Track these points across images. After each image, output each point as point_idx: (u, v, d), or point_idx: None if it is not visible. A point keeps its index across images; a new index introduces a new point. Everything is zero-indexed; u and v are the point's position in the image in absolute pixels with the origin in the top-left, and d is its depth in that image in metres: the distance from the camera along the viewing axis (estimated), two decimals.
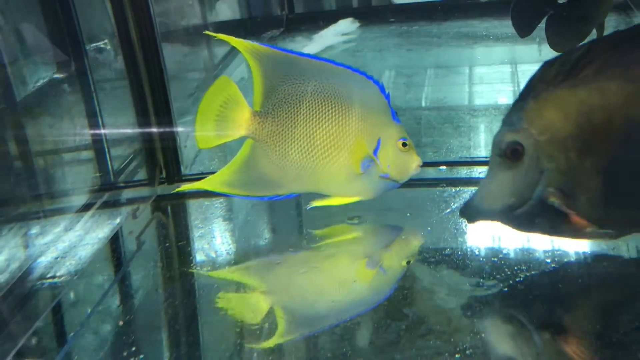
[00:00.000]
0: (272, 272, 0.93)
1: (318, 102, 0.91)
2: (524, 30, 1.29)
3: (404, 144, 0.91)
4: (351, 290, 0.87)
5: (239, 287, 0.92)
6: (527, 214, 0.80)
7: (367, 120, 0.90)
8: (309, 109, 0.91)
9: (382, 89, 0.90)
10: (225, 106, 0.93)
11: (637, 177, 0.75)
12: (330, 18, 1.96)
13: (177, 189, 1.01)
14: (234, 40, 0.92)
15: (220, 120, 0.93)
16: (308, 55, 0.92)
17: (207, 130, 0.93)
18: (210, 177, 0.97)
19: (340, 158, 0.92)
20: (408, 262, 0.90)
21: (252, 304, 0.86)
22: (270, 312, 0.82)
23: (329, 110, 0.91)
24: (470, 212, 0.83)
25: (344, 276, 0.90)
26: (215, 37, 0.95)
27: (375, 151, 0.91)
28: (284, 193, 0.96)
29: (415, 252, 0.92)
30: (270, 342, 0.76)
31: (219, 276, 0.93)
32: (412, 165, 0.92)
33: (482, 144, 1.29)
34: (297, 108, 0.91)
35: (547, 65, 0.77)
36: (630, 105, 0.73)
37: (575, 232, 0.80)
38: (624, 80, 0.73)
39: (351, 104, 0.90)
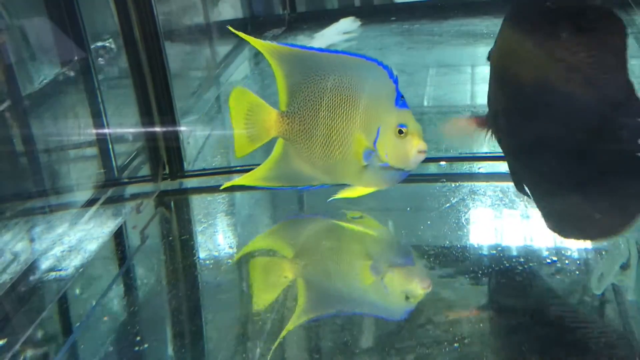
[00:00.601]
0: (275, 265, 0.94)
1: (335, 97, 0.92)
2: None
3: (400, 131, 0.89)
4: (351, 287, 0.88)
5: (242, 281, 0.93)
6: None
7: (370, 111, 0.91)
8: (328, 106, 0.93)
9: (390, 73, 0.89)
10: (251, 113, 0.96)
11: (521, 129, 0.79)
12: (332, 16, 1.97)
13: (223, 186, 1.03)
14: (254, 41, 0.95)
15: (251, 127, 0.96)
16: (324, 50, 0.93)
17: (242, 139, 0.97)
18: (249, 173, 1.00)
19: (349, 151, 0.93)
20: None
21: (254, 297, 0.87)
22: (273, 306, 0.83)
23: (342, 105, 0.92)
24: None
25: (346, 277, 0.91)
26: (238, 34, 0.97)
27: (375, 141, 0.91)
28: (316, 184, 0.99)
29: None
30: (274, 338, 0.77)
31: (221, 270, 0.94)
32: (411, 150, 0.89)
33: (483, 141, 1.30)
34: (318, 105, 0.93)
35: None
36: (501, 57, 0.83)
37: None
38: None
39: (359, 97, 0.91)
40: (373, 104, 0.91)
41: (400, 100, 0.90)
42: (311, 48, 0.94)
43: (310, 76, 0.93)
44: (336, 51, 0.93)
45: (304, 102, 0.94)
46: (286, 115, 0.96)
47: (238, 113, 0.96)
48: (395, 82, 0.89)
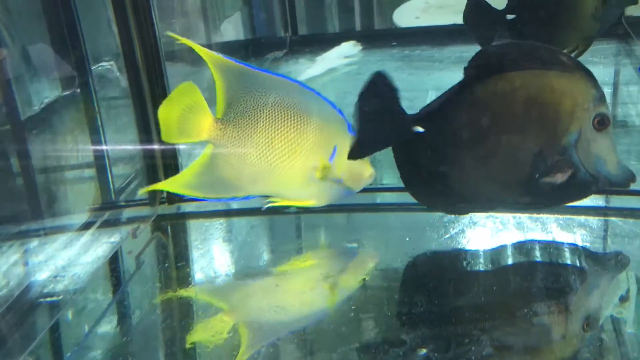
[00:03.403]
0: (270, 293, 0.93)
1: (278, 112, 0.96)
2: (483, 40, 1.37)
3: None
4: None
5: (235, 308, 0.92)
6: None
7: (324, 130, 0.97)
8: (269, 118, 0.97)
9: (333, 105, 0.97)
10: (189, 110, 0.97)
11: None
12: (333, 40, 1.98)
13: (141, 191, 1.03)
14: (198, 49, 0.96)
15: (183, 123, 0.97)
16: (268, 71, 0.98)
17: (171, 130, 0.97)
18: (171, 178, 1.02)
19: (297, 163, 0.97)
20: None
21: (249, 326, 0.86)
22: (271, 333, 0.82)
23: (287, 120, 0.96)
24: None
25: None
26: (180, 40, 0.98)
27: (331, 158, 0.96)
28: (241, 195, 1.01)
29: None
30: None
31: (217, 297, 0.93)
32: (365, 174, 0.98)
33: None
34: (257, 116, 0.97)
35: None
36: None
37: None
38: None
39: (309, 115, 0.96)
40: (327, 125, 0.97)
41: (351, 128, 0.97)
42: (255, 67, 0.97)
43: (250, 90, 0.97)
44: (279, 74, 0.98)
45: (241, 112, 0.97)
46: (221, 122, 0.97)
47: (175, 104, 0.97)
48: (341, 113, 0.97)
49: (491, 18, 1.40)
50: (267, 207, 1.00)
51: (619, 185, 0.91)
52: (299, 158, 0.97)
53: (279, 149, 0.96)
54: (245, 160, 0.97)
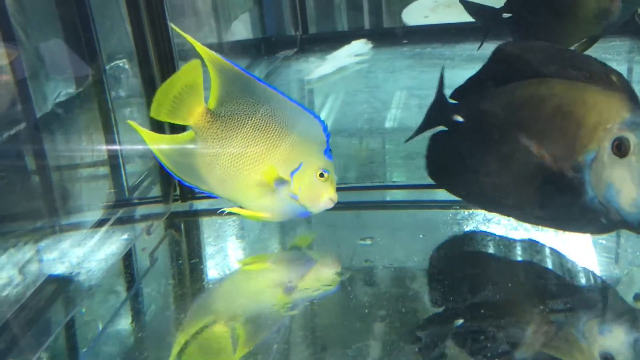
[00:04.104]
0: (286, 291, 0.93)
1: (263, 123, 0.96)
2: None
3: (322, 175, 0.95)
4: None
5: (250, 304, 0.92)
6: None
7: (297, 146, 0.96)
8: (253, 127, 0.96)
9: (324, 128, 0.96)
10: (186, 91, 0.96)
11: None
12: (343, 38, 1.98)
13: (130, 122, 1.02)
14: (197, 45, 0.96)
15: (176, 103, 0.97)
16: (264, 82, 0.97)
17: (162, 107, 0.97)
18: (154, 134, 1.01)
19: (260, 175, 0.96)
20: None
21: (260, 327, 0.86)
22: (280, 330, 0.82)
23: (268, 133, 0.96)
24: None
25: None
26: (182, 34, 0.98)
27: (292, 173, 0.95)
28: (204, 189, 1.01)
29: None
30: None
31: (229, 294, 0.93)
32: (324, 196, 0.96)
33: None
34: (244, 122, 0.96)
35: None
36: None
37: None
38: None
39: (289, 132, 0.96)
40: (302, 142, 0.96)
41: (329, 152, 0.97)
42: (253, 75, 0.97)
43: (245, 95, 0.96)
44: (275, 88, 0.96)
45: (231, 113, 0.97)
46: (210, 114, 0.97)
47: (177, 83, 0.96)
48: (328, 136, 0.96)
49: (488, 15, 1.40)
50: (221, 212, 1.00)
51: (631, 226, 0.81)
52: (262, 169, 0.96)
53: (249, 159, 0.96)
54: (219, 160, 0.97)
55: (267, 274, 1.01)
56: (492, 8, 1.39)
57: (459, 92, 1.02)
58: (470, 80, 1.00)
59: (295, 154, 0.95)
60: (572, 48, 1.36)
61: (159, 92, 0.97)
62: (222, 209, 1.00)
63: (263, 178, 0.96)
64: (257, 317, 0.87)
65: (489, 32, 1.41)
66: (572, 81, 0.85)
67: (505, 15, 1.39)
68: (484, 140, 0.93)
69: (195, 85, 0.96)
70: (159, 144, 1.00)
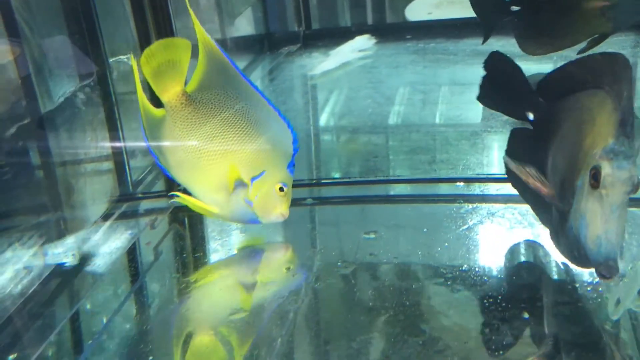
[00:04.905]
0: (289, 282, 0.94)
1: (236, 120, 0.95)
2: (486, 30, 1.38)
3: (281, 189, 0.95)
4: None
5: (253, 299, 0.93)
6: None
7: (263, 154, 0.95)
8: (226, 121, 0.95)
9: (295, 140, 0.96)
10: (168, 65, 0.95)
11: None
12: (346, 34, 1.97)
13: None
14: (198, 26, 0.94)
15: (155, 75, 0.96)
16: (250, 80, 0.96)
17: (150, 63, 0.95)
18: (144, 96, 0.98)
19: (220, 170, 0.95)
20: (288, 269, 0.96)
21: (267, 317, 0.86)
22: (286, 325, 0.83)
23: (239, 131, 0.95)
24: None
25: None
26: (188, 6, 0.97)
27: (253, 179, 0.95)
28: (162, 164, 1.01)
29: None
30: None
31: (234, 287, 0.93)
32: (277, 209, 0.96)
33: (495, 162, 1.29)
34: (217, 113, 0.95)
35: None
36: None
37: None
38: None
39: (260, 135, 0.95)
40: (269, 149, 0.95)
41: (292, 167, 0.97)
42: (240, 72, 0.95)
43: (226, 87, 0.95)
44: (258, 89, 0.95)
45: (206, 101, 0.95)
46: (186, 97, 0.96)
47: (161, 52, 0.95)
48: (295, 150, 0.96)
49: (496, 8, 1.39)
50: (172, 202, 1.00)
51: (590, 264, 0.73)
52: (224, 167, 0.95)
53: (213, 152, 0.95)
54: (183, 140, 0.96)
55: (267, 262, 1.01)
56: (500, 1, 1.38)
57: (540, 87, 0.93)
58: (552, 79, 0.92)
59: (260, 160, 0.95)
60: (580, 45, 1.35)
61: (144, 56, 0.95)
62: (172, 193, 1.00)
63: (223, 175, 0.95)
64: (261, 309, 0.88)
65: (495, 27, 1.40)
66: (607, 95, 0.77)
67: (514, 8, 1.38)
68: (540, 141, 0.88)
69: (180, 63, 0.95)
70: (142, 105, 0.99)
